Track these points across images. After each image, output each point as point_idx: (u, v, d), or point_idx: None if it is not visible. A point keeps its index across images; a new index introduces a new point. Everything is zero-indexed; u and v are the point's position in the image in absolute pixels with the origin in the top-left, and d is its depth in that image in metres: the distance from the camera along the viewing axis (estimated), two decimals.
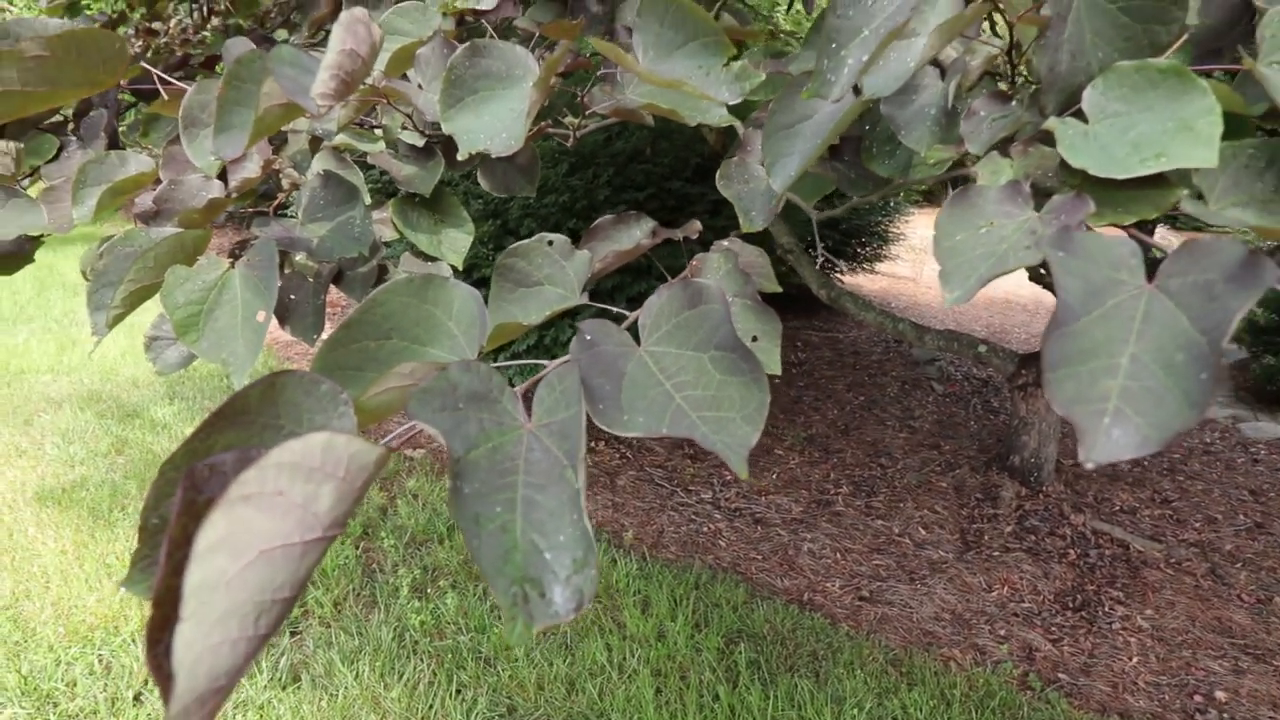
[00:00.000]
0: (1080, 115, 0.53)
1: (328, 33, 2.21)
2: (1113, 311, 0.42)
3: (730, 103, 0.65)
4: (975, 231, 0.50)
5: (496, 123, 0.66)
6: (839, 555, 3.45)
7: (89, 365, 5.24)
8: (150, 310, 1.01)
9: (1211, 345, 0.37)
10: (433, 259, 1.13)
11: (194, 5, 2.98)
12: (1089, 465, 0.36)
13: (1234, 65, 0.52)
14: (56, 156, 1.12)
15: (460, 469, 0.43)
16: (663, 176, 4.28)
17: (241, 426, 0.45)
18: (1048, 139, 0.54)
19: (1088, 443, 0.37)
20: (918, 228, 8.27)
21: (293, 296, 1.04)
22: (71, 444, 4.03)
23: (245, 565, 0.33)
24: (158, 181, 1.02)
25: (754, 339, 0.66)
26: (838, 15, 0.52)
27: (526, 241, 0.68)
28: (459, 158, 0.63)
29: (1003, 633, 2.95)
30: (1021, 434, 4.09)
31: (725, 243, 0.74)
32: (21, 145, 1.08)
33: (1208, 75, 0.59)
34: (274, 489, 0.34)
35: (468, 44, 0.67)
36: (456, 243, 1.09)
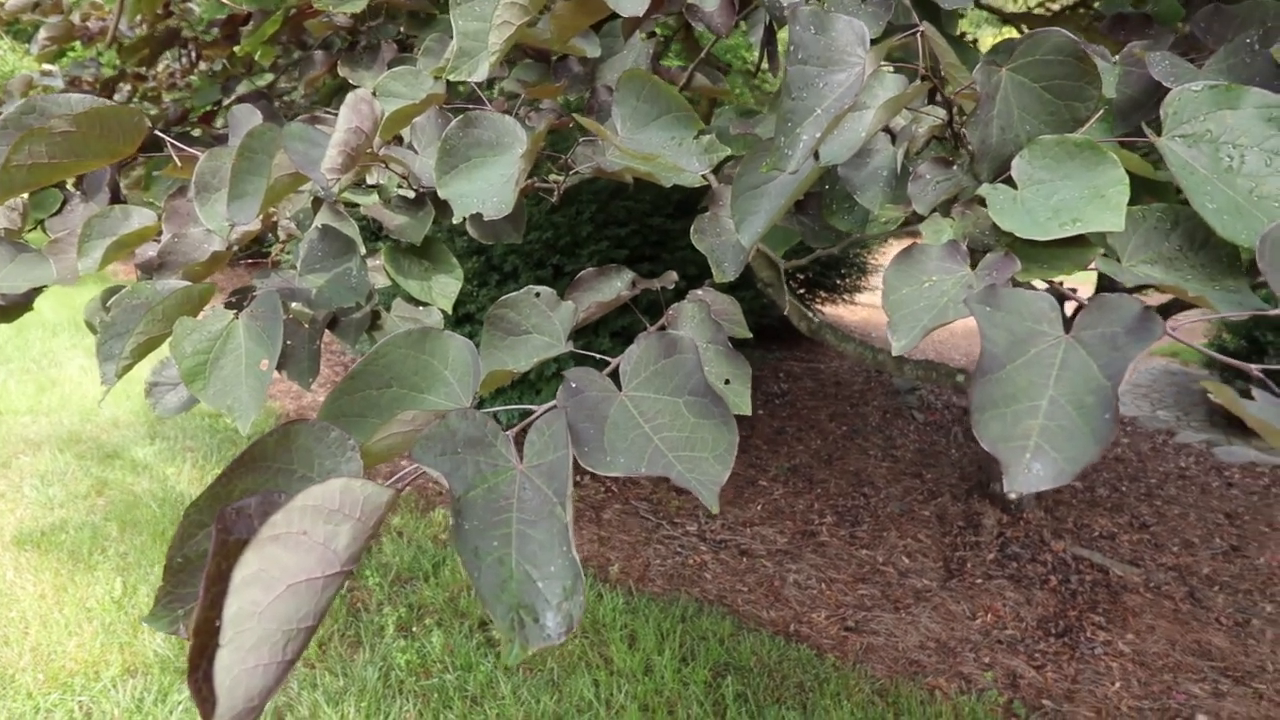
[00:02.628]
0: (1010, 181, 0.60)
1: (330, 92, 2.27)
2: (1035, 359, 0.48)
3: (700, 173, 0.72)
4: (919, 286, 0.56)
5: (488, 187, 0.72)
6: (824, 585, 3.47)
7: (68, 406, 5.20)
8: (150, 356, 1.05)
9: (1113, 388, 0.43)
10: (424, 304, 1.18)
11: (182, 51, 3.05)
12: (1011, 495, 0.41)
13: (1141, 137, 0.59)
14: (60, 210, 1.16)
15: (460, 507, 0.48)
16: (644, 213, 4.39)
17: (259, 472, 0.50)
18: (984, 201, 0.61)
19: (1010, 475, 0.43)
20: None
21: (289, 342, 1.08)
22: (51, 486, 3.98)
23: (275, 597, 0.37)
24: (160, 234, 1.07)
25: (726, 382, 0.72)
26: (792, 98, 0.58)
27: (516, 294, 0.74)
28: (453, 220, 0.69)
29: (987, 660, 2.98)
30: None
31: (699, 292, 0.80)
32: (27, 199, 1.13)
33: (1128, 145, 0.66)
34: (299, 529, 0.39)
35: (461, 116, 0.74)
36: (446, 288, 1.14)
